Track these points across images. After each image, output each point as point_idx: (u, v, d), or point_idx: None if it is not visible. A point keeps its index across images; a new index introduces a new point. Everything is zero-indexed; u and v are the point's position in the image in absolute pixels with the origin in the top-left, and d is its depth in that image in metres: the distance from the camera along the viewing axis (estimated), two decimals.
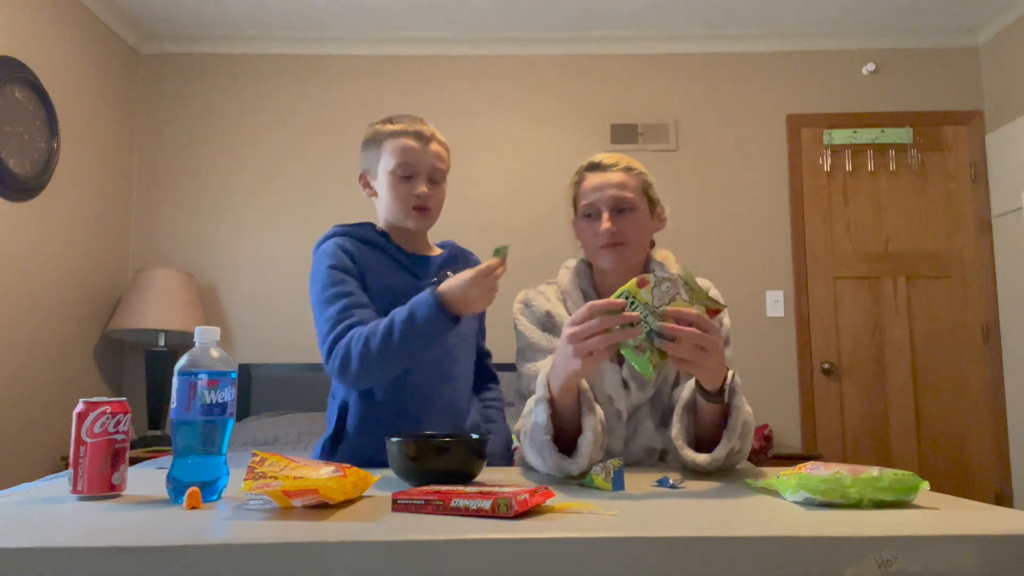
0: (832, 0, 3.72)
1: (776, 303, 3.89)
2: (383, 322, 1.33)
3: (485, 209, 3.95)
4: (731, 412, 1.21)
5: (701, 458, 1.21)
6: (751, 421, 1.25)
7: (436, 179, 1.50)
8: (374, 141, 1.52)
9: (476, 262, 1.59)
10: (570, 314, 1.46)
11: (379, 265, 1.46)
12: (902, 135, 3.95)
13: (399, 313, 1.32)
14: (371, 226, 1.53)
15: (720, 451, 1.19)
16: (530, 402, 1.24)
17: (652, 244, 1.56)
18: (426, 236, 1.59)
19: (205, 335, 1.01)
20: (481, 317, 1.69)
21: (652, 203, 1.48)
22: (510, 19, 3.89)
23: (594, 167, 1.47)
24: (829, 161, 3.96)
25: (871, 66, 3.98)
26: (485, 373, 1.70)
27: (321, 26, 3.96)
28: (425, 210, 1.48)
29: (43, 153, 3.25)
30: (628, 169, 1.46)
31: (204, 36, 4.03)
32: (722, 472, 1.26)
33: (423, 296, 1.31)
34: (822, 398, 3.83)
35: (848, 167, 3.96)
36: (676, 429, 1.26)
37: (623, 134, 3.99)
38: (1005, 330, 3.74)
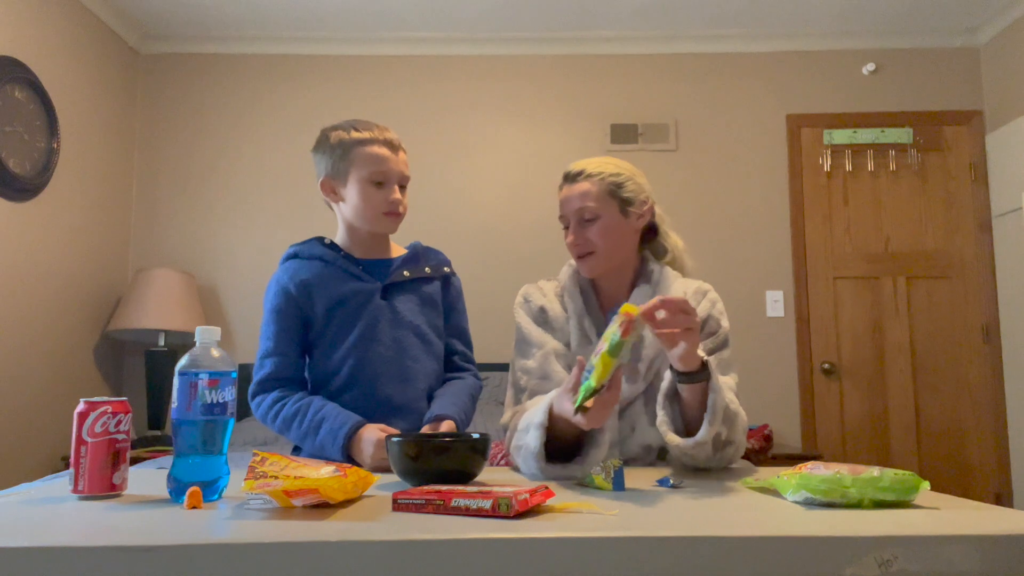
0: (832, 0, 3.72)
1: (776, 303, 3.89)
2: (297, 410, 1.45)
3: (485, 209, 3.95)
4: (709, 395, 1.22)
5: (684, 441, 1.23)
6: (739, 411, 1.28)
7: (404, 185, 1.57)
8: (340, 147, 1.54)
9: (443, 260, 1.67)
10: (566, 310, 1.50)
11: (327, 279, 1.54)
12: (902, 135, 3.95)
13: (311, 418, 1.43)
14: (319, 241, 1.60)
15: (703, 434, 1.20)
16: (526, 421, 1.26)
17: (653, 236, 1.57)
18: (388, 239, 1.64)
19: (206, 335, 1.01)
20: (458, 318, 1.67)
21: (625, 202, 1.46)
22: (510, 19, 3.89)
23: (565, 177, 1.51)
24: (829, 161, 3.96)
25: (871, 66, 3.98)
26: (453, 368, 1.65)
27: (321, 26, 3.95)
28: (397, 215, 1.55)
29: (43, 153, 3.25)
30: (590, 176, 1.46)
31: (204, 36, 4.03)
32: (721, 471, 1.27)
33: (339, 425, 1.41)
34: (822, 398, 3.83)
35: (848, 167, 3.96)
36: (660, 416, 1.28)
37: (623, 134, 3.99)
38: (1005, 330, 3.74)
